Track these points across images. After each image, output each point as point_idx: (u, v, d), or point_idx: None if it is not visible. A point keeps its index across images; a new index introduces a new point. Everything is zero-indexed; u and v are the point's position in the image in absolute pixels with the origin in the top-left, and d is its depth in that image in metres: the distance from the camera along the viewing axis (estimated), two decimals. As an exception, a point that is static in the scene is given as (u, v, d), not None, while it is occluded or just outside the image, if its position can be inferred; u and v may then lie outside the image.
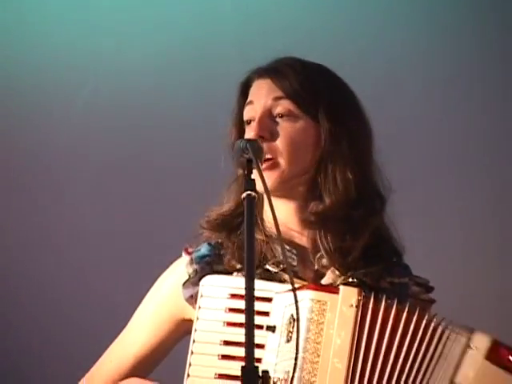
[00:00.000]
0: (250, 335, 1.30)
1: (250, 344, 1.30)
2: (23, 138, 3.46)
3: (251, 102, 1.70)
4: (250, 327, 1.31)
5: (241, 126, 1.74)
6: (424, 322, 1.56)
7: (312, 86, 1.69)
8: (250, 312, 1.31)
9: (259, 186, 1.41)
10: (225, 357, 1.44)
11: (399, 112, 3.27)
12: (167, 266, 1.77)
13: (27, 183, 3.41)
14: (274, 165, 1.66)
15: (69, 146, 3.40)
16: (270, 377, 1.31)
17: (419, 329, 1.55)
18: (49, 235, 3.37)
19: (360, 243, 1.67)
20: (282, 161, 1.66)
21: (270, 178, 1.63)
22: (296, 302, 1.34)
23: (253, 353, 1.30)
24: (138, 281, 1.79)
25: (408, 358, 1.55)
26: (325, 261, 1.68)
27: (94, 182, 3.37)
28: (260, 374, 1.28)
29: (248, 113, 1.71)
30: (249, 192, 1.38)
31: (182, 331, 1.72)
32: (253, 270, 1.35)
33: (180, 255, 1.74)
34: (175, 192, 3.08)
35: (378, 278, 1.68)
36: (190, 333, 1.61)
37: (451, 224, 3.30)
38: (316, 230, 1.68)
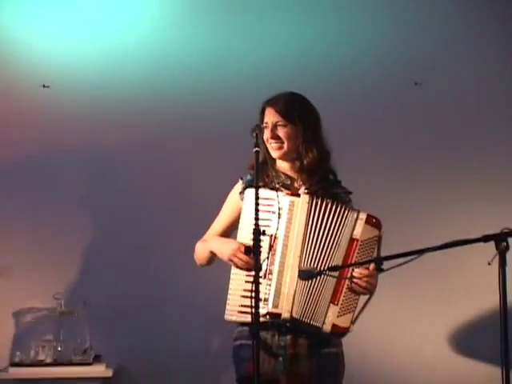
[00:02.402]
0: (256, 212, 2.92)
1: (256, 218, 2.91)
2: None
3: (266, 122, 3.27)
4: (257, 209, 2.92)
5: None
6: (340, 206, 3.16)
7: (293, 108, 3.25)
8: (256, 200, 2.93)
9: (274, 155, 3.28)
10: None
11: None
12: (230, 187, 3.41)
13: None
14: (281, 147, 3.25)
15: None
16: (265, 232, 2.97)
17: (339, 209, 3.15)
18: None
19: (319, 175, 3.28)
20: (284, 145, 3.25)
21: (279, 152, 3.26)
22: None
23: (258, 222, 2.92)
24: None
25: (332, 221, 3.14)
26: (301, 184, 3.28)
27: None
28: (262, 231, 2.94)
29: (265, 125, 3.28)
30: (257, 149, 3.01)
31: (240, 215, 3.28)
32: (258, 185, 2.99)
33: (237, 181, 3.37)
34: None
35: (326, 190, 3.26)
36: None
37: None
38: (300, 171, 3.29)
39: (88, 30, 4.83)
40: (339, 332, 3.12)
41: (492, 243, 2.73)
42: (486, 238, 2.74)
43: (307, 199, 3.15)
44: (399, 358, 4.82)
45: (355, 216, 3.16)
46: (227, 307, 3.16)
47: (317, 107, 3.32)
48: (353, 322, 3.13)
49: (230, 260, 3.15)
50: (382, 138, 4.93)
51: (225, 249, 3.19)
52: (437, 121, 4.95)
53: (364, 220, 3.15)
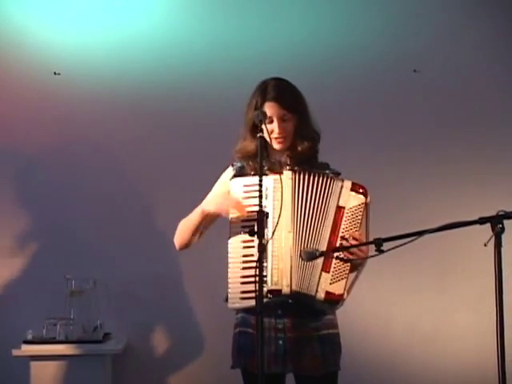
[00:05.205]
0: (260, 198, 2.98)
1: (260, 194, 2.98)
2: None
3: (270, 117, 3.23)
4: (260, 196, 2.98)
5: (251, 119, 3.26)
6: (324, 177, 3.19)
7: (293, 99, 3.24)
8: (260, 181, 3.00)
9: (277, 147, 3.27)
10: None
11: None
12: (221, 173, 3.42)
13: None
14: (286, 140, 3.25)
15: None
16: (268, 214, 3.09)
17: (323, 180, 3.18)
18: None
19: (309, 156, 3.31)
20: (288, 138, 3.26)
21: (284, 145, 3.26)
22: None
23: (261, 204, 2.98)
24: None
25: (317, 193, 3.17)
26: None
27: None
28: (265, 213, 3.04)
29: (270, 117, 3.23)
30: (260, 135, 3.08)
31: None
32: (262, 172, 3.03)
33: (228, 166, 3.39)
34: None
35: (315, 168, 3.26)
36: None
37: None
38: (293, 156, 3.29)
39: (97, 19, 4.96)
40: (333, 299, 3.10)
41: (488, 225, 2.79)
42: (482, 221, 2.80)
43: (290, 175, 3.17)
44: (398, 334, 4.94)
45: (340, 185, 3.18)
46: (229, 296, 3.14)
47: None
48: (347, 290, 3.11)
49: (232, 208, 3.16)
50: (381, 124, 5.02)
51: (222, 199, 3.22)
52: (435, 107, 5.03)
53: (349, 188, 3.18)
